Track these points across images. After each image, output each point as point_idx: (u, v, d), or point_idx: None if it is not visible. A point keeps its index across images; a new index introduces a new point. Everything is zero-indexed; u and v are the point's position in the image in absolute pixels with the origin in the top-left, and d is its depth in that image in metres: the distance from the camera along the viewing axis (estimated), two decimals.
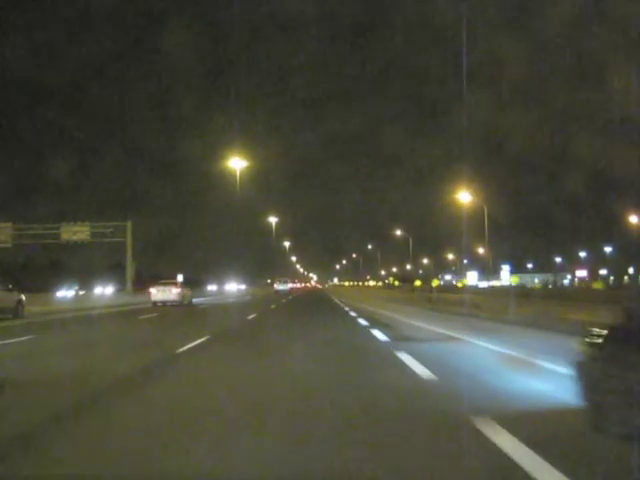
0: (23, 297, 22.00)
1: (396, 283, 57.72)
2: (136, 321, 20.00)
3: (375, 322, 16.95)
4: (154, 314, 22.98)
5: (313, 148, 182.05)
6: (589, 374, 4.59)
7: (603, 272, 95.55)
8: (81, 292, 45.75)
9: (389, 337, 12.45)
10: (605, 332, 4.60)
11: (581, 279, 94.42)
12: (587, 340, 4.75)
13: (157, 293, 32.09)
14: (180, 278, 59.15)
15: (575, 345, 5.04)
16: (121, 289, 50.88)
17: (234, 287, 71.52)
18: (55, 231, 49.95)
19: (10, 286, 21.59)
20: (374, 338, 12.53)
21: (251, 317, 20.28)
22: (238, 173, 58.54)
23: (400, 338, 12.29)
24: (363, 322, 17.19)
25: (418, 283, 46.46)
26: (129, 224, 49.93)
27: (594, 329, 4.76)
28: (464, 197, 51.87)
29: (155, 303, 31.36)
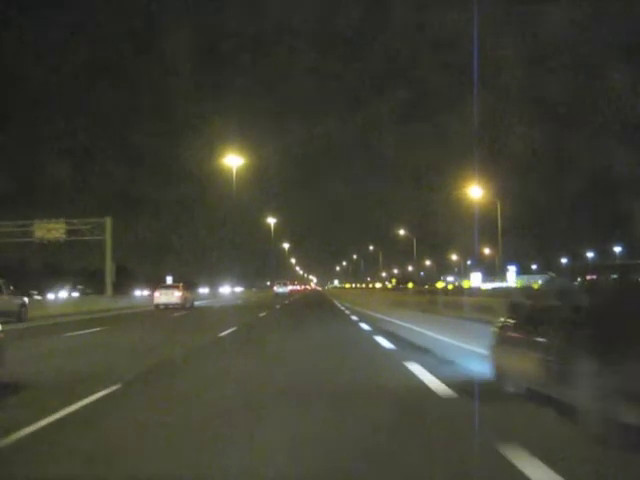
0: (26, 300, 21.87)
1: (410, 285, 50.76)
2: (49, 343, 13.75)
3: (412, 348, 10.80)
4: (94, 329, 16.64)
5: (313, 149, 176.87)
6: (495, 347, 6.43)
7: None
8: (38, 297, 39.34)
9: (454, 389, 6.18)
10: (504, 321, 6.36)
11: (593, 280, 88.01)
12: (494, 327, 6.63)
13: (160, 296, 31.88)
14: (169, 280, 54.29)
15: None
16: (86, 292, 44.38)
17: (227, 290, 65.36)
18: (27, 229, 44.05)
19: (12, 287, 21.13)
20: (428, 394, 6.13)
21: (224, 334, 14.11)
22: (234, 170, 53.71)
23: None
24: (387, 345, 11.10)
25: (441, 285, 40.60)
26: (108, 220, 43.83)
27: (500, 319, 6.53)
28: (475, 192, 46.70)
29: (157, 306, 31.18)
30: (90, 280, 65.71)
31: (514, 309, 6.28)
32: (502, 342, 6.26)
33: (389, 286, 58.24)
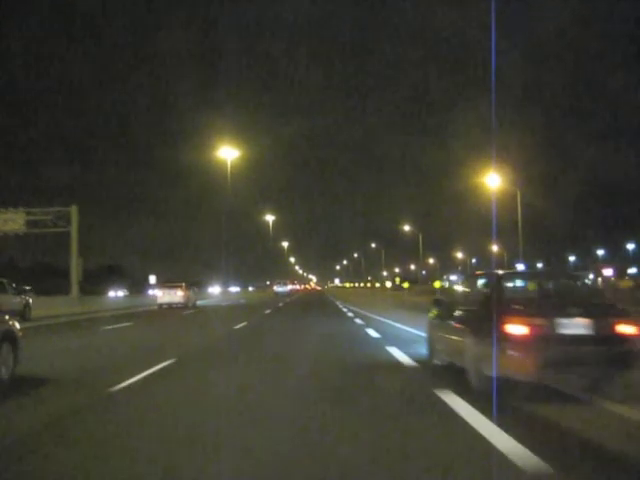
0: (30, 300, 21.67)
1: (437, 284, 42.07)
2: None
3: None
4: None
5: (313, 148, 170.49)
6: (429, 331, 8.23)
7: (632, 271, 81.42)
8: None
9: None
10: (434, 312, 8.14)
11: (606, 278, 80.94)
12: (428, 316, 8.44)
13: (163, 295, 30.90)
14: (152, 280, 47.96)
15: None
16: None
17: (217, 290, 57.91)
18: None
19: (14, 285, 20.83)
20: None
21: (130, 382, 6.66)
22: (229, 163, 46.92)
23: None
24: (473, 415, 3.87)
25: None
26: (74, 209, 36.40)
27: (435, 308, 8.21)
28: (492, 181, 39.89)
29: (161, 305, 30.35)
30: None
31: (436, 304, 8.19)
32: (431, 328, 8.15)
33: (405, 285, 49.20)
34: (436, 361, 7.73)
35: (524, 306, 5.78)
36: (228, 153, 46.27)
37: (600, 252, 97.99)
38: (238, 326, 15.87)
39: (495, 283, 6.56)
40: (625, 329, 5.59)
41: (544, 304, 6.09)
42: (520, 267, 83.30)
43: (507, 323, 5.51)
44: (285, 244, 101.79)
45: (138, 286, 58.12)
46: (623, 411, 5.14)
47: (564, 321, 5.53)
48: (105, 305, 34.54)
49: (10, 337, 6.89)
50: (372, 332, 13.25)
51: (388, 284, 55.27)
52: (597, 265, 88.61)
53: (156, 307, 30.32)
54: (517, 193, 42.25)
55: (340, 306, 28.84)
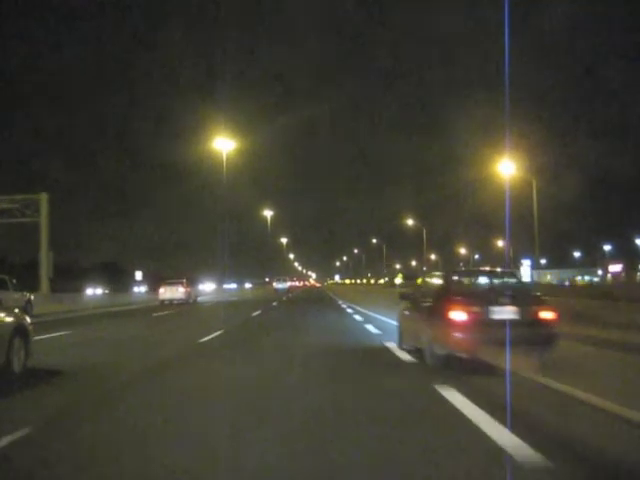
0: (32, 297, 21.64)
1: None
2: None
3: None
4: None
5: (313, 143, 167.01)
6: (399, 320, 9.20)
7: None
8: None
9: None
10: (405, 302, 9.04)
11: (615, 274, 76.50)
12: (402, 305, 9.13)
13: (165, 292, 31.22)
14: (139, 276, 43.72)
15: None
16: None
17: (210, 287, 53.34)
18: None
19: (14, 281, 20.83)
20: None
21: None
22: (225, 156, 42.40)
23: None
24: None
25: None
26: (43, 197, 31.93)
27: (404, 301, 9.09)
28: (507, 169, 35.39)
29: (163, 302, 30.57)
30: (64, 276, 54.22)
31: (403, 297, 9.16)
32: (400, 318, 9.18)
33: (418, 281, 44.03)
34: (404, 346, 8.58)
35: (465, 297, 6.96)
36: (224, 145, 41.88)
37: (607, 247, 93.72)
38: (207, 337, 11.13)
39: (445, 279, 8.16)
40: (546, 315, 6.77)
41: (481, 295, 7.24)
42: (527, 263, 78.46)
43: (450, 311, 6.71)
44: (284, 240, 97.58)
45: (127, 284, 53.97)
46: (542, 381, 5.94)
47: (496, 309, 6.71)
48: (76, 304, 29.94)
49: (22, 331, 6.99)
50: (397, 349, 8.67)
51: (397, 280, 50.07)
52: (605, 261, 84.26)
53: (133, 306, 29.02)
54: (532, 182, 37.84)
55: (343, 306, 24.08)
